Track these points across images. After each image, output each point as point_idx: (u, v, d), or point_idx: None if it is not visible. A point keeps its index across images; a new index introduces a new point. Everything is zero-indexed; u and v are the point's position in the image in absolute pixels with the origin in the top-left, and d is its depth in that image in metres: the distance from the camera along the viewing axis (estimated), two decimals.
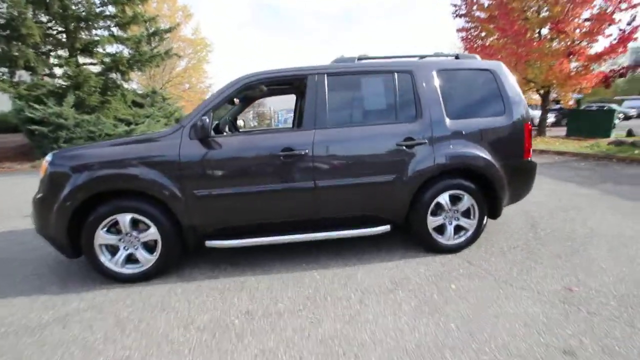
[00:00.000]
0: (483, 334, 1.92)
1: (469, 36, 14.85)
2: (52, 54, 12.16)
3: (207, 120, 2.51)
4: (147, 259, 2.64)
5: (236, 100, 3.82)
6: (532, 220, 3.84)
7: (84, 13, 11.66)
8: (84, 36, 12.29)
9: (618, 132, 12.83)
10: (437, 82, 2.86)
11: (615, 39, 11.98)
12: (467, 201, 2.92)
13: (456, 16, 14.67)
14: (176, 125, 2.71)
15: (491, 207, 3.00)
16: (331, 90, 2.76)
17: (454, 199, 2.93)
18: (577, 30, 12.15)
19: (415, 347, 1.82)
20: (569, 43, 12.47)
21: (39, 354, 1.88)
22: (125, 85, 13.61)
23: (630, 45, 12.30)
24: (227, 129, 3.97)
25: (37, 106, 10.37)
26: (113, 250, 2.65)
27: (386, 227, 2.84)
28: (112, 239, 2.60)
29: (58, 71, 12.28)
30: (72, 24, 11.80)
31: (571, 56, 12.26)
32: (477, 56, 3.13)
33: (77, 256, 2.66)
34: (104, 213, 2.52)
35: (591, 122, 12.98)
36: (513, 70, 11.47)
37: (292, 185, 2.66)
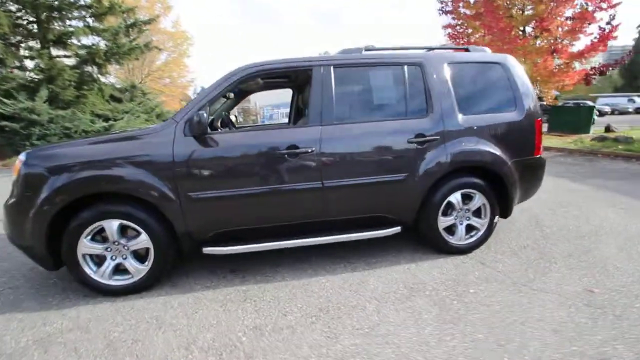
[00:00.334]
0: (513, 344, 1.79)
1: (455, 33, 14.94)
2: (22, 45, 11.41)
3: (205, 115, 2.27)
4: (137, 269, 2.38)
5: (230, 94, 3.56)
6: (535, 217, 3.78)
7: (56, 2, 10.97)
8: (57, 27, 11.58)
9: (596, 128, 13.20)
10: (448, 75, 2.71)
11: (596, 37, 12.31)
12: (478, 200, 2.80)
13: (442, 13, 14.70)
14: (168, 121, 2.46)
15: (502, 206, 2.89)
16: (338, 84, 2.57)
17: (465, 198, 2.80)
18: (560, 29, 12.42)
19: None
20: (552, 41, 12.73)
21: None
22: (103, 79, 12.97)
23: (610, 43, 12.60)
24: (219, 125, 3.72)
25: (6, 101, 9.70)
26: (99, 260, 2.38)
27: (397, 229, 2.69)
28: (97, 248, 2.33)
29: (29, 64, 11.55)
30: (44, 14, 11.10)
31: (554, 54, 12.49)
32: (487, 49, 3.01)
33: (57, 268, 2.38)
34: (88, 219, 2.25)
35: (572, 118, 13.27)
36: None
37: (297, 185, 2.46)
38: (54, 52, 11.69)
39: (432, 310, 2.10)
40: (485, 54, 2.94)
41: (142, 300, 2.34)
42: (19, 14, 11.06)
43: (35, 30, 11.32)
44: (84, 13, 11.88)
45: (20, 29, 11.16)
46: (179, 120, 2.39)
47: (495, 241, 3.10)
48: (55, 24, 11.58)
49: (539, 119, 2.91)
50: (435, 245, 2.85)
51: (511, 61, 2.90)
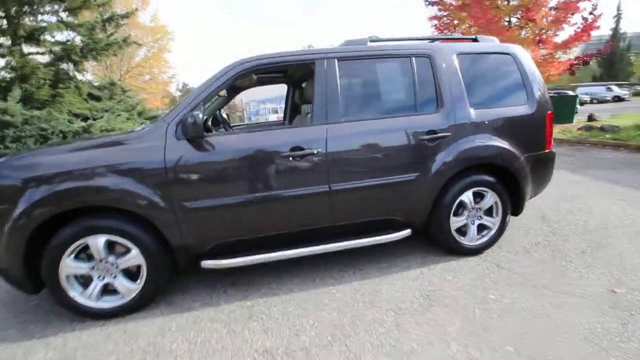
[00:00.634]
0: (547, 357, 1.66)
1: (441, 24, 14.86)
2: None
3: (200, 116, 2.04)
4: (128, 289, 2.15)
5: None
6: (541, 212, 3.70)
7: None
8: (28, 22, 10.91)
9: (579, 117, 13.41)
10: (458, 67, 2.55)
11: (579, 27, 12.43)
12: (490, 198, 2.67)
13: (428, 4, 14.58)
14: (157, 123, 2.22)
15: (514, 203, 2.77)
16: (343, 78, 2.37)
17: (476, 196, 2.67)
18: (545, 19, 12.49)
19: None
20: (536, 32, 12.80)
21: None
22: (80, 77, 12.31)
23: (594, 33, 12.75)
24: (211, 124, 3.48)
25: None
26: (85, 281, 2.14)
27: (407, 232, 2.54)
28: (82, 268, 2.09)
29: (0, 62, 10.86)
30: (13, 8, 10.41)
31: (540, 44, 12.57)
32: (496, 38, 2.86)
33: (37, 291, 2.13)
34: (70, 236, 2.00)
35: (557, 107, 13.36)
36: None
37: (303, 190, 2.27)
38: (27, 49, 11.01)
39: (455, 321, 1.96)
40: (495, 44, 2.79)
41: (135, 323, 2.12)
42: None
43: (5, 26, 10.63)
44: (57, 7, 11.22)
45: None
46: (169, 121, 2.16)
47: (504, 239, 2.98)
48: (27, 19, 10.90)
49: (550, 111, 2.79)
50: (447, 246, 2.71)
51: (521, 51, 2.77)
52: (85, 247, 2.07)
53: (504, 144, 2.58)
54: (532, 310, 2.02)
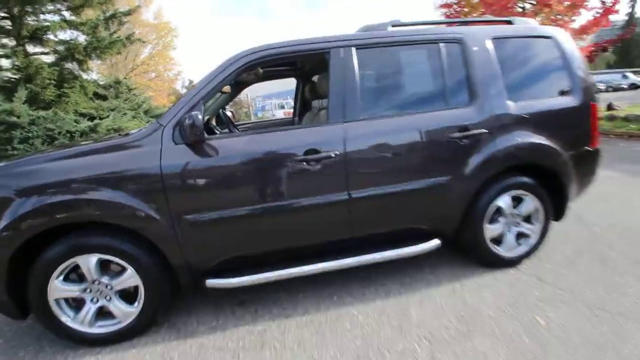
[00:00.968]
0: None
1: (451, 13, 14.31)
2: None
3: (199, 116, 1.77)
4: (125, 313, 1.92)
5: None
6: (577, 213, 3.35)
7: None
8: (31, 22, 10.78)
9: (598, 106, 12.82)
10: (493, 53, 2.23)
11: (597, 12, 11.81)
12: (530, 203, 2.36)
13: None
14: (152, 125, 1.95)
15: (556, 207, 2.46)
16: (362, 69, 2.07)
17: (514, 201, 2.36)
18: (561, 4, 11.89)
19: None
20: (552, 17, 12.21)
21: None
22: (85, 76, 12.21)
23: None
24: (215, 123, 3.21)
25: None
26: (77, 304, 1.91)
27: (437, 242, 2.24)
28: (72, 290, 1.85)
29: (4, 62, 10.77)
30: (16, 8, 10.28)
31: None
32: (533, 20, 2.52)
33: (24, 316, 1.90)
34: (57, 256, 1.77)
35: None
36: None
37: (319, 199, 1.99)
38: (31, 49, 10.91)
39: (501, 352, 1.67)
40: (533, 26, 2.46)
41: (134, 350, 1.88)
42: None
43: (9, 27, 10.52)
44: (59, 6, 11.07)
45: None
46: (165, 124, 1.89)
47: (541, 247, 2.66)
48: (29, 18, 10.77)
49: (595, 103, 2.45)
50: (480, 257, 2.42)
51: (563, 34, 2.43)
52: (76, 267, 1.84)
53: (547, 141, 2.26)
54: (591, 339, 1.72)
